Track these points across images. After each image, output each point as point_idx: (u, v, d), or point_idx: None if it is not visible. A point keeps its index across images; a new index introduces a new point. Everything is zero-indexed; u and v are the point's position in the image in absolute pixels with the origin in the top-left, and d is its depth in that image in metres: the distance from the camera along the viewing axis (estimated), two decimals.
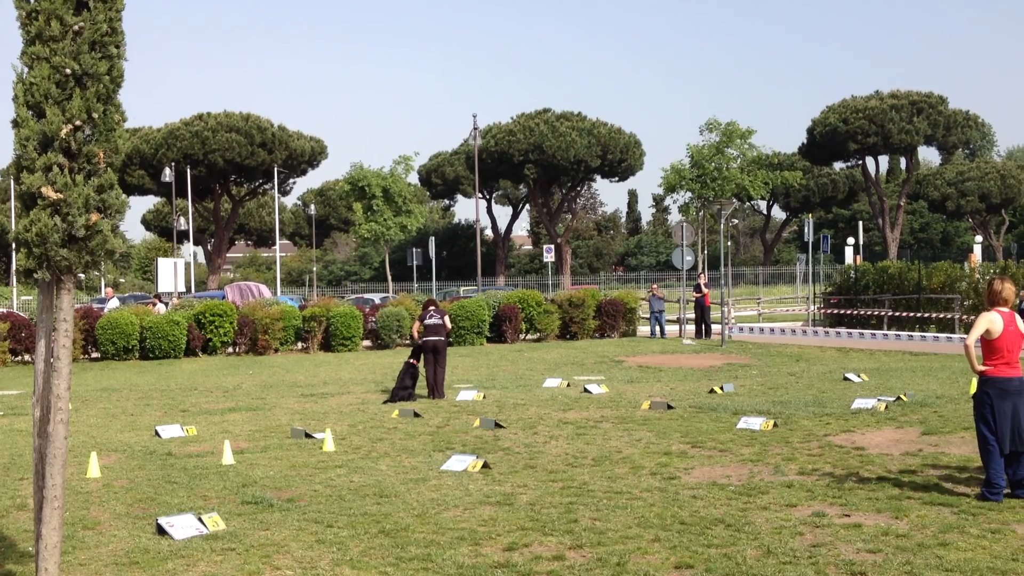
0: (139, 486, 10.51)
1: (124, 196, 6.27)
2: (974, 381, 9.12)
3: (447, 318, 18.49)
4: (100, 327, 28.32)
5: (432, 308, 18.30)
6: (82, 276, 7.20)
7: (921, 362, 23.02)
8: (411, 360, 17.94)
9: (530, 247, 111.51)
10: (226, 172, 70.43)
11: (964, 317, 29.76)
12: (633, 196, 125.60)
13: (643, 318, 35.40)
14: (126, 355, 28.33)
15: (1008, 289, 9.14)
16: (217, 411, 16.91)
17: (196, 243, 78.75)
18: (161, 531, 8.32)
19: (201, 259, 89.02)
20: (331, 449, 12.45)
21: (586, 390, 18.12)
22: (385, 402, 17.41)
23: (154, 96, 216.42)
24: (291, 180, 78.44)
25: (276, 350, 29.69)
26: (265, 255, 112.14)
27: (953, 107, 76.88)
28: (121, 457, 12.41)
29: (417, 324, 18.44)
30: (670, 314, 36.08)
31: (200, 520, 8.49)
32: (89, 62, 5.99)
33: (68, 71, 5.95)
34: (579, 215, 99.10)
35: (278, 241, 70.96)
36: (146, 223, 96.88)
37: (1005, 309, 9.11)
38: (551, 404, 16.45)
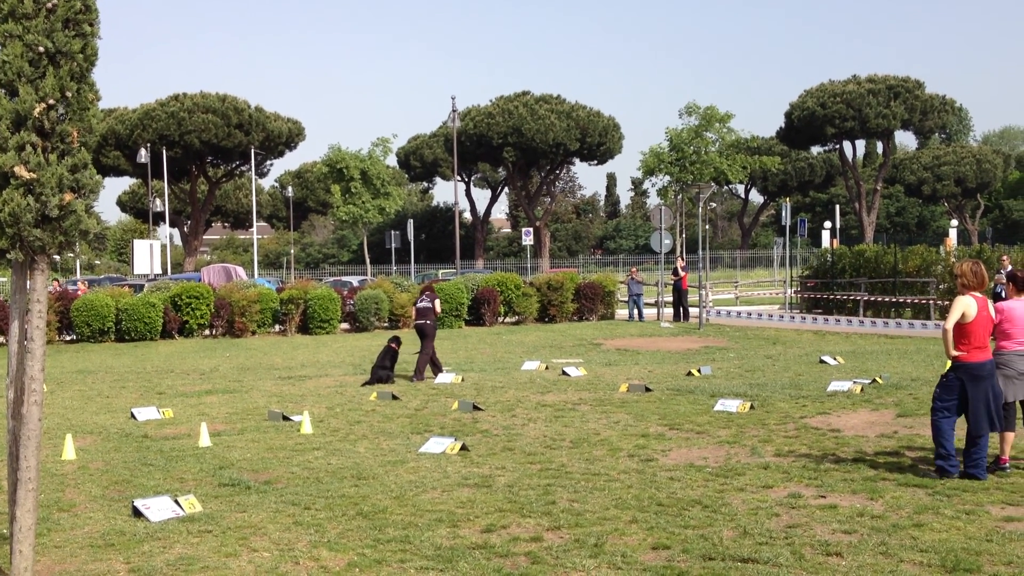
0: (115, 468, 10.46)
1: (98, 176, 6.20)
2: (949, 364, 9.20)
3: (437, 302, 18.86)
4: (75, 309, 28.12)
5: (426, 292, 18.92)
6: (57, 257, 7.14)
7: (896, 345, 23.19)
8: (392, 344, 18.06)
9: (509, 230, 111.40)
10: (202, 153, 69.89)
11: (939, 301, 29.99)
12: (612, 179, 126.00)
13: (621, 301, 35.48)
14: (101, 337, 28.16)
15: (981, 273, 9.18)
16: (194, 393, 16.85)
17: (172, 225, 78.34)
18: (137, 513, 8.28)
19: (177, 241, 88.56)
20: (309, 431, 12.43)
21: (564, 373, 18.15)
22: (364, 384, 17.42)
23: (130, 76, 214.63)
24: (268, 162, 77.90)
25: (253, 332, 29.58)
26: (242, 237, 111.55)
27: (930, 92, 77.25)
28: (97, 439, 12.34)
29: (413, 309, 19.16)
30: (648, 297, 36.18)
31: (176, 502, 8.45)
32: (63, 40, 5.92)
33: (41, 49, 5.88)
34: (558, 198, 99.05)
35: (255, 223, 70.59)
36: (122, 204, 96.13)
37: (979, 294, 9.16)
38: (529, 387, 16.47)
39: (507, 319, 32.84)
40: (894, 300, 32.19)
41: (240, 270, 41.81)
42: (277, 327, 30.37)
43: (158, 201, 68.59)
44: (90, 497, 9.16)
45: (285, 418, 13.46)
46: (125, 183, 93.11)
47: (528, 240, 58.25)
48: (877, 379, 15.59)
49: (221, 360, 23.25)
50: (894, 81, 76.00)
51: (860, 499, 8.40)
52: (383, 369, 17.68)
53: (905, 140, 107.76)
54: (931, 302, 30.60)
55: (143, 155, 62.07)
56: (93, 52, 6.11)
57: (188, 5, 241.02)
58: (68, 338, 28.73)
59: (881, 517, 7.80)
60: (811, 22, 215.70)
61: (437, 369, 18.22)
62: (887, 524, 7.58)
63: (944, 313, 28.62)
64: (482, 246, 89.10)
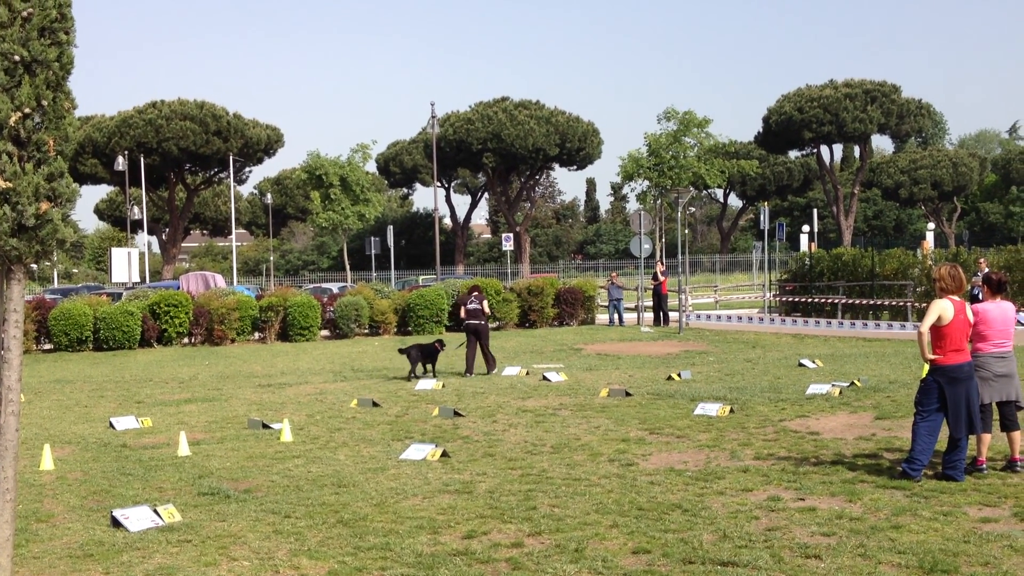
0: (93, 478, 10.39)
1: (74, 184, 6.17)
2: (927, 367, 9.27)
3: (485, 303, 19.96)
4: (53, 318, 27.95)
5: (475, 294, 20.00)
6: (34, 266, 7.09)
7: (875, 348, 23.32)
8: (436, 344, 19.31)
9: (489, 236, 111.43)
10: (180, 161, 69.61)
11: (917, 303, 30.19)
12: (591, 185, 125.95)
13: (601, 306, 35.54)
14: (79, 346, 27.99)
15: (959, 277, 9.25)
16: (173, 402, 16.77)
17: (150, 233, 77.89)
18: (116, 523, 8.23)
19: (156, 249, 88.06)
20: (289, 439, 12.39)
21: (545, 378, 18.17)
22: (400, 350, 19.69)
23: (107, 84, 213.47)
24: (247, 169, 77.71)
25: (233, 340, 29.47)
26: (221, 244, 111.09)
27: (906, 96, 77.88)
28: (75, 449, 12.27)
29: (462, 309, 20.23)
30: (628, 302, 36.27)
31: (156, 512, 8.41)
32: (38, 49, 5.89)
33: (17, 58, 5.85)
34: (538, 203, 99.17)
35: (234, 230, 70.33)
36: (99, 212, 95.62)
37: (956, 297, 9.22)
38: (510, 392, 16.48)
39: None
40: (872, 303, 32.38)
41: (219, 278, 41.66)
42: (257, 335, 30.25)
43: (136, 209, 68.27)
44: (68, 507, 9.11)
45: (265, 426, 13.40)
46: (103, 191, 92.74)
47: (508, 245, 58.26)
48: (855, 382, 15.68)
49: (200, 368, 23.15)
50: (871, 85, 76.58)
51: (839, 501, 8.44)
52: (418, 350, 19.03)
53: (882, 144, 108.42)
54: (908, 305, 30.80)
55: (120, 163, 61.69)
56: (69, 60, 6.08)
57: (166, 12, 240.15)
58: (46, 347, 28.54)
59: (860, 519, 7.84)
60: (788, 27, 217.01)
61: (490, 366, 19.53)
62: (865, 526, 7.63)
63: (921, 316, 28.84)
64: (462, 252, 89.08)
